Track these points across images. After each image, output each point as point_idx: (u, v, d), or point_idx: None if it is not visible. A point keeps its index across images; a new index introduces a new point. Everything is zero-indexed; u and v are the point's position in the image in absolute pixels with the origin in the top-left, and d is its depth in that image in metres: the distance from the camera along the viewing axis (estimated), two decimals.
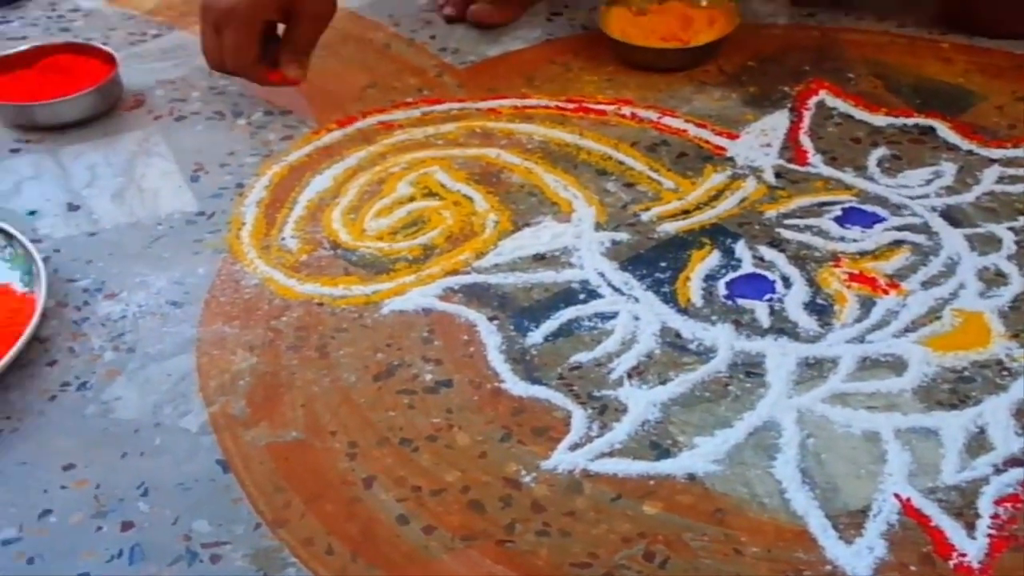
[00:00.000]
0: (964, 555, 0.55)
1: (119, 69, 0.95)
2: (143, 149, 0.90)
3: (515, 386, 0.66)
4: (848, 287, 0.72)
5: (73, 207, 0.83)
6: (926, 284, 0.72)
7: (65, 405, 0.66)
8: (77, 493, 0.61)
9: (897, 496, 0.58)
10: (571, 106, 0.92)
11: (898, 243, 0.75)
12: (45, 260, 0.74)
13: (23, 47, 0.98)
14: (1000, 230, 0.76)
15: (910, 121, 0.88)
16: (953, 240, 0.75)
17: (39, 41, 1.02)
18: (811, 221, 0.78)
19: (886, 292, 0.71)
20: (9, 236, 0.75)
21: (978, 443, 0.61)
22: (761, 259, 0.75)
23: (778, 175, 0.82)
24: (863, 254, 0.74)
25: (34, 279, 0.72)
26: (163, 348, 0.70)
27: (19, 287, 0.73)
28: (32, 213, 0.83)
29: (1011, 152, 0.83)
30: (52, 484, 0.61)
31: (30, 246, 0.74)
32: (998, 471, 0.59)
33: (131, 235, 0.80)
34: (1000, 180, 0.81)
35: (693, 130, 0.88)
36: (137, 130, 0.92)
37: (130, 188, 0.85)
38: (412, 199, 0.82)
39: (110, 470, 0.62)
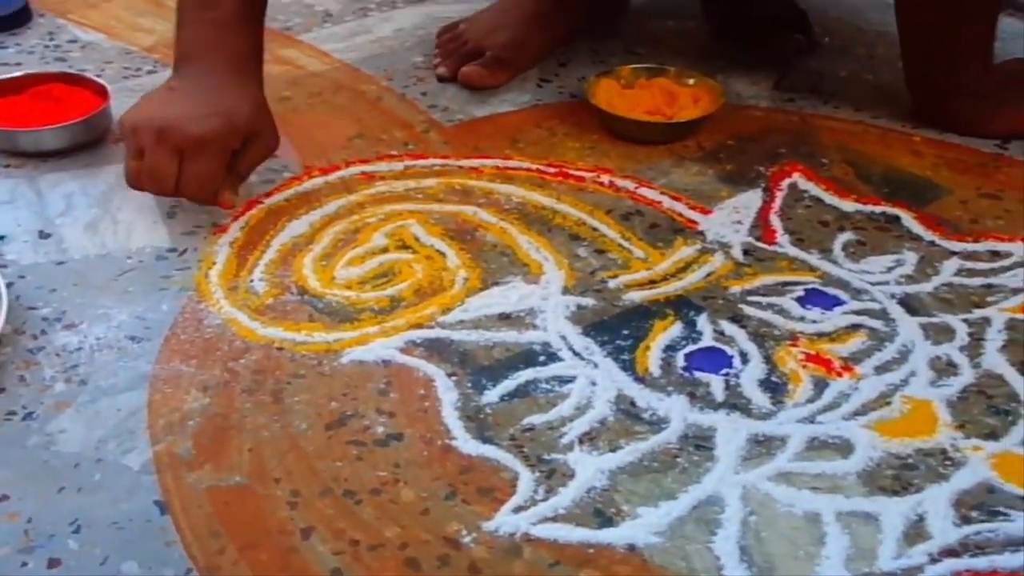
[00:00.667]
0: None
1: (110, 102, 0.96)
2: (122, 182, 0.90)
3: (466, 444, 0.66)
4: (803, 367, 0.72)
5: (44, 235, 0.84)
6: (879, 369, 0.72)
7: (7, 435, 0.66)
8: (6, 526, 0.60)
9: None
10: (551, 170, 0.93)
11: (855, 327, 0.76)
12: (8, 286, 0.74)
13: (16, 73, 1.00)
14: (955, 321, 0.76)
15: (877, 209, 0.89)
16: (909, 328, 0.76)
17: (34, 69, 1.04)
18: (773, 299, 0.78)
19: (840, 374, 0.72)
20: None
21: (916, 531, 0.61)
22: (722, 333, 0.75)
23: (746, 252, 0.83)
24: (821, 335, 0.75)
25: None
26: (116, 382, 0.70)
27: None
28: (1, 238, 0.83)
29: (971, 246, 0.85)
30: None
31: None
32: (933, 560, 0.59)
33: (99, 267, 0.80)
34: (959, 272, 0.82)
35: (668, 202, 0.89)
36: (119, 163, 0.92)
37: (104, 220, 0.86)
38: (385, 250, 0.83)
39: (44, 504, 0.61)
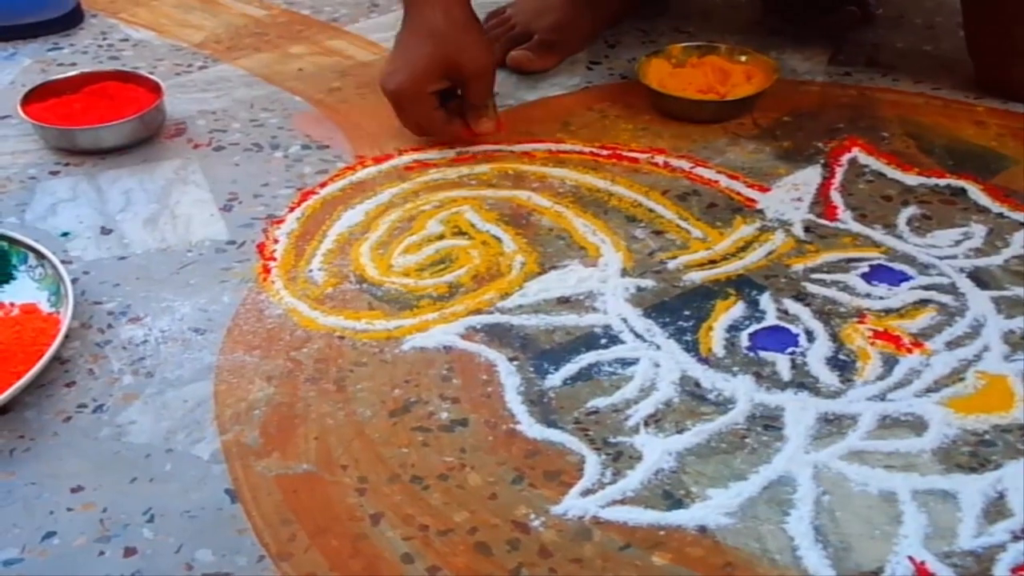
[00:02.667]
0: None
1: (164, 98, 0.97)
2: (179, 177, 0.91)
3: (531, 428, 0.66)
4: (872, 344, 0.71)
5: (106, 231, 0.85)
6: (951, 345, 0.71)
7: (79, 427, 0.66)
8: (83, 516, 0.61)
9: (911, 559, 0.57)
10: (605, 153, 0.93)
11: (924, 302, 0.74)
12: (74, 282, 0.75)
13: (72, 73, 1.01)
14: None
15: (942, 182, 0.87)
16: (980, 302, 0.74)
17: (88, 68, 1.05)
18: (838, 276, 0.77)
19: (910, 351, 0.70)
20: (41, 256, 0.76)
21: (996, 509, 0.59)
22: (785, 312, 0.74)
23: (807, 229, 0.82)
24: (888, 312, 0.74)
25: (61, 300, 0.73)
26: (182, 374, 0.70)
27: (45, 307, 0.74)
28: (65, 234, 0.84)
29: None
30: (59, 506, 0.61)
31: (60, 267, 0.75)
32: (1016, 538, 0.58)
33: (160, 261, 0.81)
34: None
35: (725, 181, 0.88)
36: (175, 158, 0.94)
37: (163, 214, 0.86)
38: (441, 237, 0.83)
39: (118, 494, 0.62)
